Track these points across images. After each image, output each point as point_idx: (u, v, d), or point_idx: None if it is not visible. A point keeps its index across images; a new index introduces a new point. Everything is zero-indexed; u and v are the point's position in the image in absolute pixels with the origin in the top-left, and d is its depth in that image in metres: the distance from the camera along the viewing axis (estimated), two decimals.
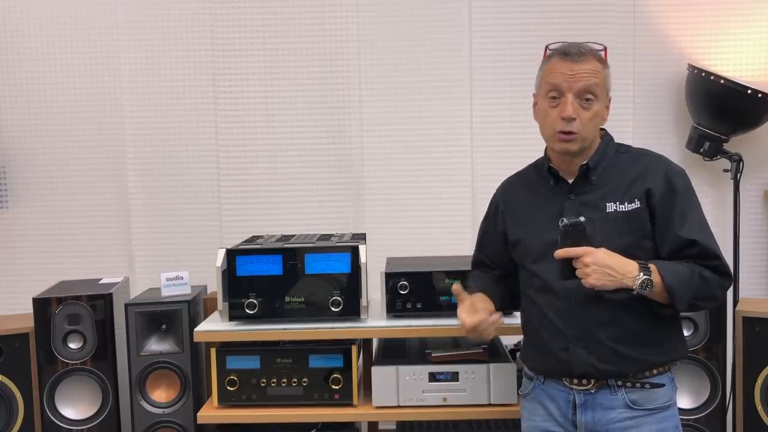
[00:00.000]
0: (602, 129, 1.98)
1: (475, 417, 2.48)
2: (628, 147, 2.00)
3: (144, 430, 2.63)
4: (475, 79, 3.21)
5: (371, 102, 3.23)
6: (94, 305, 2.66)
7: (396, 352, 2.62)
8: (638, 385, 1.88)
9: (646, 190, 1.88)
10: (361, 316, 2.48)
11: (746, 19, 3.15)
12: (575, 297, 1.87)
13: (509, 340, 2.73)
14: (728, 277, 1.89)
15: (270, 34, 3.22)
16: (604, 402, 1.89)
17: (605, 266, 1.76)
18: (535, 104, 1.99)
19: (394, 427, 2.72)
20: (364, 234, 2.80)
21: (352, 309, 2.47)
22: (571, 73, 1.85)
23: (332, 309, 2.47)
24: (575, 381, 1.91)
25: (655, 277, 1.79)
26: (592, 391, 1.90)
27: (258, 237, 2.81)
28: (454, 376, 2.44)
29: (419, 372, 2.44)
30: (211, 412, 2.48)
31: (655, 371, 1.90)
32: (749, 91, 2.91)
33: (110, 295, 2.70)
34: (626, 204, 1.88)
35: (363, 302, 2.47)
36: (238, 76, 3.23)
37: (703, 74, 2.99)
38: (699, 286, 1.83)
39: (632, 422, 1.88)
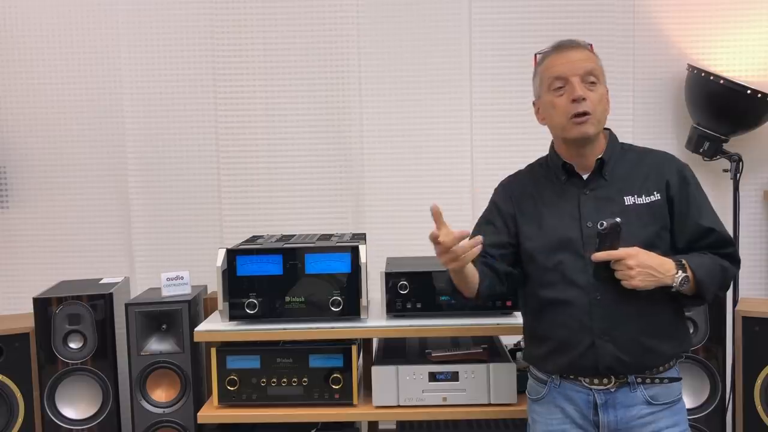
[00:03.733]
0: (606, 128, 2.00)
1: (475, 417, 2.48)
2: (631, 145, 2.04)
3: (144, 430, 2.63)
4: (475, 79, 3.21)
5: (371, 102, 3.23)
6: (94, 305, 2.66)
7: (396, 352, 2.62)
8: (657, 380, 1.90)
9: (666, 181, 1.92)
10: (361, 316, 2.48)
11: (746, 19, 3.15)
12: (600, 290, 1.87)
13: (509, 340, 2.73)
14: (739, 264, 1.95)
15: (270, 34, 3.22)
16: (625, 400, 1.90)
17: (648, 267, 1.79)
18: (537, 110, 2.01)
19: (394, 426, 2.72)
20: (364, 234, 2.80)
21: (352, 309, 2.47)
22: (570, 59, 1.90)
23: (332, 309, 2.47)
24: (595, 380, 1.91)
25: (689, 272, 1.83)
26: (612, 390, 1.90)
27: (258, 237, 2.81)
28: (454, 376, 2.44)
29: (419, 372, 2.44)
30: (211, 412, 2.48)
31: (672, 362, 1.94)
32: (749, 91, 2.91)
33: (110, 295, 2.70)
34: (644, 197, 1.91)
35: (363, 302, 2.47)
36: (238, 76, 3.23)
37: (703, 74, 2.99)
38: (721, 276, 1.89)
39: (651, 417, 1.90)
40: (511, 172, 2.16)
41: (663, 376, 1.91)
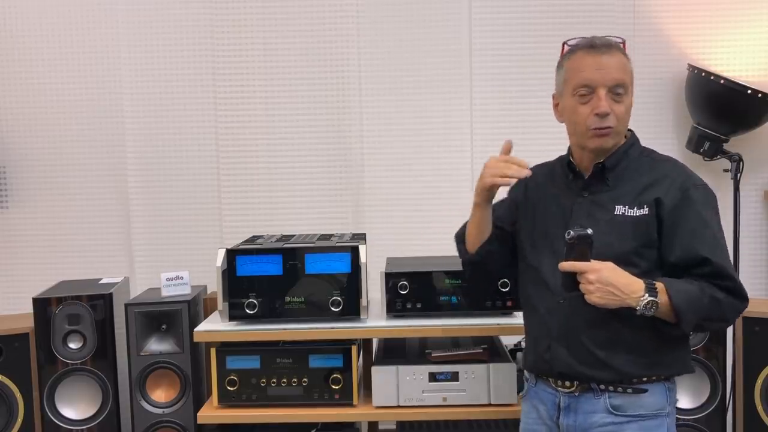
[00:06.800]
0: (629, 130, 1.93)
1: (475, 417, 2.48)
2: (652, 152, 1.93)
3: (144, 430, 2.63)
4: (475, 78, 3.21)
5: (371, 102, 3.23)
6: (94, 305, 2.66)
7: (396, 352, 2.62)
8: (620, 389, 1.82)
9: (656, 198, 1.80)
10: (361, 316, 2.48)
11: (746, 19, 3.15)
12: (570, 295, 1.80)
13: (509, 340, 2.73)
14: (744, 299, 1.80)
15: (270, 33, 3.22)
16: (586, 406, 1.84)
17: (609, 284, 1.69)
18: (556, 105, 1.93)
19: (394, 427, 2.72)
20: (364, 234, 2.80)
21: (352, 309, 2.47)
22: (601, 67, 1.79)
23: (332, 309, 2.47)
24: (559, 383, 1.87)
25: (662, 297, 1.71)
26: (576, 394, 1.85)
27: (258, 237, 2.81)
28: (454, 376, 2.44)
29: (419, 372, 2.44)
30: (211, 412, 2.48)
31: (645, 379, 1.82)
32: (749, 91, 2.91)
33: (110, 295, 2.70)
34: (635, 209, 1.81)
35: (363, 302, 2.47)
36: (238, 76, 3.23)
37: (703, 74, 2.99)
38: (709, 307, 1.74)
39: (613, 428, 1.82)
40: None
41: (626, 386, 1.81)
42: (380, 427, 2.86)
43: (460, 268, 2.50)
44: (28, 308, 2.69)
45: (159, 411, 2.64)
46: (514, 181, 1.85)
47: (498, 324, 2.47)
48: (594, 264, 1.71)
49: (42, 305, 2.65)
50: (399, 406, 2.45)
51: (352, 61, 3.22)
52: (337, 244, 2.53)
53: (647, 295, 1.70)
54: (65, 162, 3.27)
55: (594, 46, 1.82)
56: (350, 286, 2.47)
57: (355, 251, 2.47)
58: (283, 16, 3.21)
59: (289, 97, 3.23)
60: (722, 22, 3.16)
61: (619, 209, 1.82)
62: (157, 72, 3.24)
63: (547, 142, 3.16)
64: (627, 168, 1.87)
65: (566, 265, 1.73)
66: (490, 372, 2.43)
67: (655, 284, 1.73)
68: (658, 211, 1.80)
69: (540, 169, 2.03)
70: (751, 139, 3.15)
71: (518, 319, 2.49)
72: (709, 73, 2.98)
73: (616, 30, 3.14)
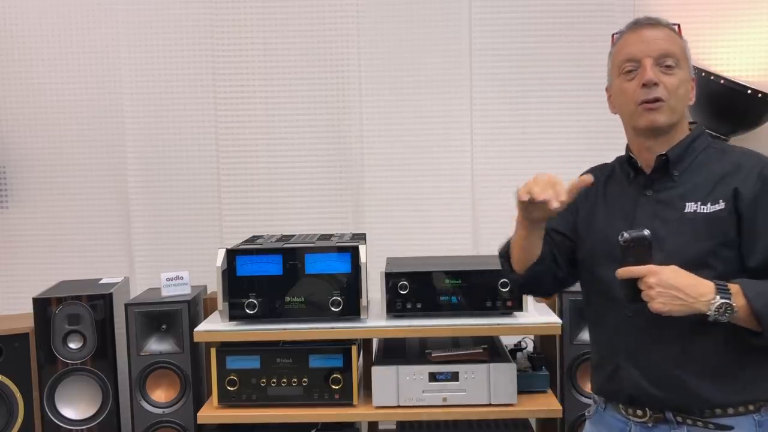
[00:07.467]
0: (694, 122, 1.77)
1: (475, 417, 2.48)
2: (721, 142, 1.77)
3: (144, 430, 2.63)
4: (475, 79, 3.21)
5: (371, 102, 3.23)
6: (94, 305, 2.66)
7: (396, 352, 2.62)
8: (700, 423, 1.59)
9: (734, 189, 1.60)
10: (361, 316, 2.48)
11: (746, 19, 3.15)
12: (636, 307, 1.59)
13: (509, 340, 2.73)
14: None
15: (270, 33, 3.22)
16: None
17: (672, 288, 1.49)
18: (609, 97, 1.79)
19: (394, 427, 2.72)
20: (364, 234, 2.80)
21: (352, 309, 2.47)
22: (645, 39, 1.69)
23: (332, 309, 2.47)
24: (630, 410, 1.68)
25: (738, 300, 1.50)
26: (649, 425, 1.64)
27: (258, 237, 2.81)
28: (454, 376, 2.44)
29: (419, 372, 2.44)
30: (211, 412, 2.48)
31: (730, 410, 1.60)
32: (749, 91, 2.91)
33: (110, 295, 2.70)
34: (709, 205, 1.61)
35: (363, 302, 2.47)
36: (238, 76, 3.23)
37: (703, 74, 2.99)
38: None
39: None
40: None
41: (708, 420, 1.59)
42: (380, 427, 2.86)
43: (459, 268, 2.51)
44: (28, 308, 2.69)
45: (159, 411, 2.64)
46: (540, 197, 1.56)
47: (498, 324, 2.46)
48: (653, 267, 1.52)
49: (42, 305, 2.65)
50: (399, 406, 2.45)
51: (352, 61, 3.22)
52: (337, 244, 2.53)
53: (719, 297, 1.50)
54: (65, 162, 3.27)
55: (638, 23, 1.73)
56: (350, 286, 2.47)
57: (355, 251, 2.47)
58: (283, 16, 3.21)
59: (289, 97, 3.23)
60: (722, 22, 3.16)
61: (690, 206, 1.63)
62: (157, 72, 3.24)
63: (547, 142, 3.18)
64: (695, 161, 1.68)
65: (623, 272, 1.54)
66: (490, 372, 2.43)
67: (727, 285, 1.53)
68: (736, 204, 1.60)
69: (598, 172, 1.87)
70: (751, 139, 3.14)
71: (518, 319, 2.49)
72: (709, 73, 2.98)
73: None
